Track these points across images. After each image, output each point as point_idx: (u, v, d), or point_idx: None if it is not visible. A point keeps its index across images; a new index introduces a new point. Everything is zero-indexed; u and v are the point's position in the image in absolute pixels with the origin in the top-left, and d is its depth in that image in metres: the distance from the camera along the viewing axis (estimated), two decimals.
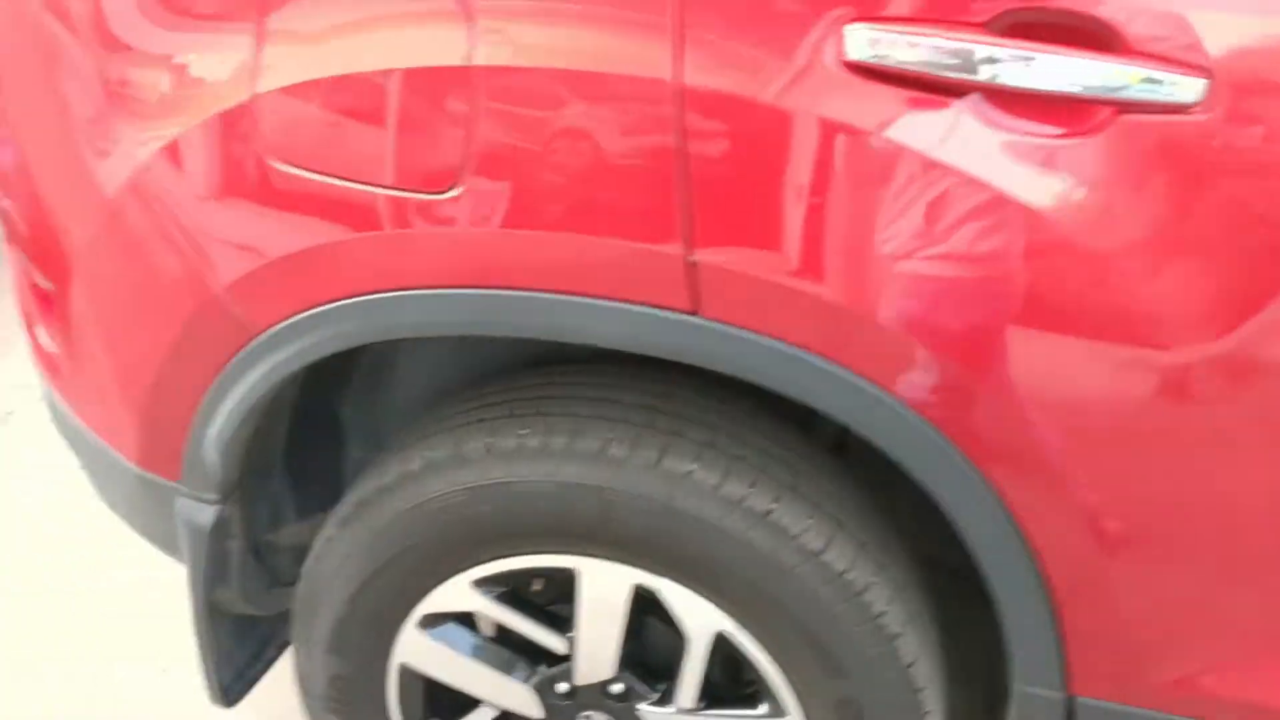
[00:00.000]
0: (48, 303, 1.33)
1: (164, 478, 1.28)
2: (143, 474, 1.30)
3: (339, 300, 1.09)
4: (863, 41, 0.90)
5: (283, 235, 1.08)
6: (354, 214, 1.04)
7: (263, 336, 1.13)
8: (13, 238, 1.39)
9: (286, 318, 1.11)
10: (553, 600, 1.28)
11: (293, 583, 1.47)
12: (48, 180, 1.22)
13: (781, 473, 1.16)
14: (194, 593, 1.33)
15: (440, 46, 0.98)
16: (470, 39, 0.97)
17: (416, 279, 1.05)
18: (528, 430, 1.16)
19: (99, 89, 1.12)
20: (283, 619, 1.51)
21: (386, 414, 1.42)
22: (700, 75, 0.93)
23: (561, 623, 1.27)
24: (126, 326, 1.22)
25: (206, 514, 1.27)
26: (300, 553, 1.50)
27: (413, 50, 0.99)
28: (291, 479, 1.39)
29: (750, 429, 1.19)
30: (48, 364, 1.40)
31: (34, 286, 1.39)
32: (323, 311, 1.09)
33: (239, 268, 1.11)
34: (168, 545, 1.42)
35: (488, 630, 1.32)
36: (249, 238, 1.09)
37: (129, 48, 1.10)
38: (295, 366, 1.14)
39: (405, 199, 1.02)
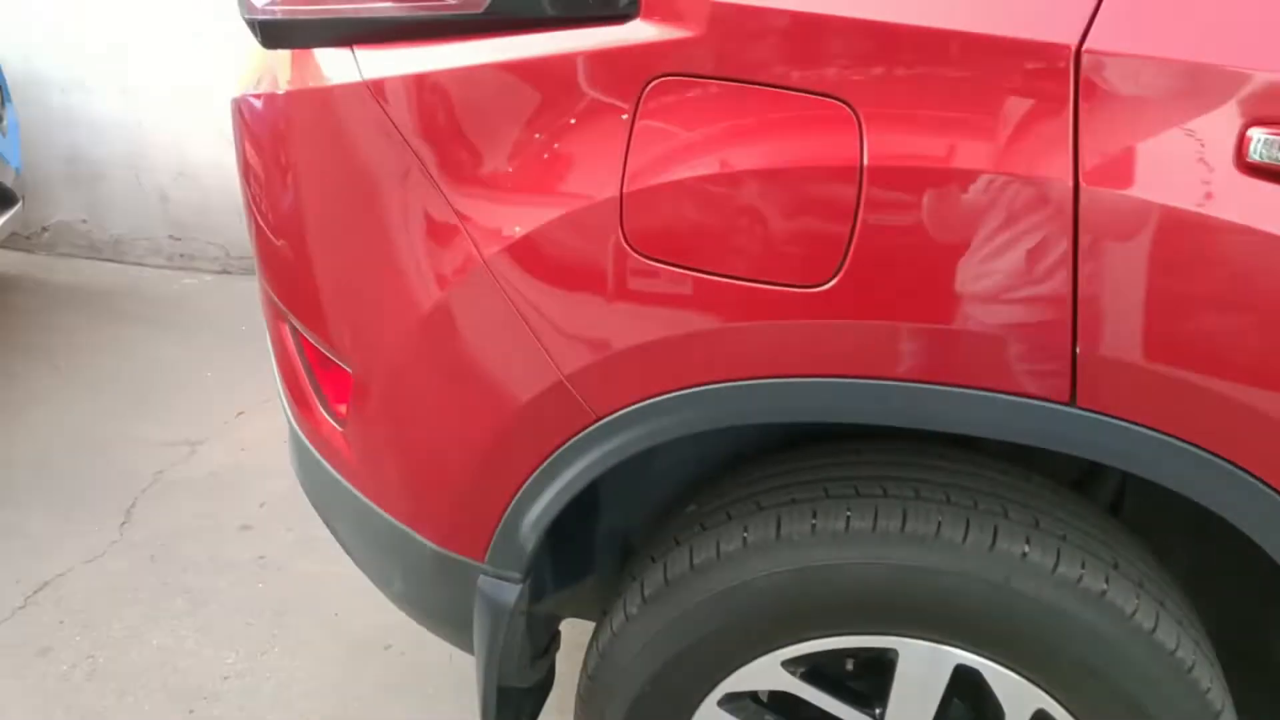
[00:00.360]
0: (342, 382, 1.36)
1: (467, 557, 1.30)
2: (443, 553, 1.31)
3: (690, 388, 1.11)
4: (1264, 145, 0.92)
5: (640, 325, 1.10)
6: (721, 305, 1.07)
7: (603, 422, 1.15)
8: (290, 308, 1.41)
9: (631, 404, 1.14)
10: (854, 676, 1.30)
11: (543, 653, 1.49)
12: (366, 265, 1.25)
13: (1102, 551, 1.17)
14: (488, 669, 1.34)
15: (825, 147, 1.01)
16: (858, 140, 1.00)
17: (779, 368, 1.08)
18: (853, 512, 1.18)
19: (440, 182, 1.15)
20: (532, 691, 1.52)
21: (643, 486, 1.44)
22: (1095, 177, 0.96)
23: (862, 699, 1.28)
24: (451, 411, 1.24)
25: (511, 592, 1.29)
26: (550, 621, 1.52)
27: (796, 151, 1.02)
28: (551, 550, 1.41)
29: (1057, 505, 1.21)
30: (326, 440, 1.42)
31: (319, 365, 1.42)
32: (673, 398, 1.12)
33: (588, 356, 1.13)
34: (444, 622, 1.44)
35: (776, 706, 1.33)
36: (603, 327, 1.12)
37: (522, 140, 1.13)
38: (633, 451, 1.16)
39: (777, 290, 1.05)
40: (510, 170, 1.13)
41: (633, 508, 1.45)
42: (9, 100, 3.32)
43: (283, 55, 1.32)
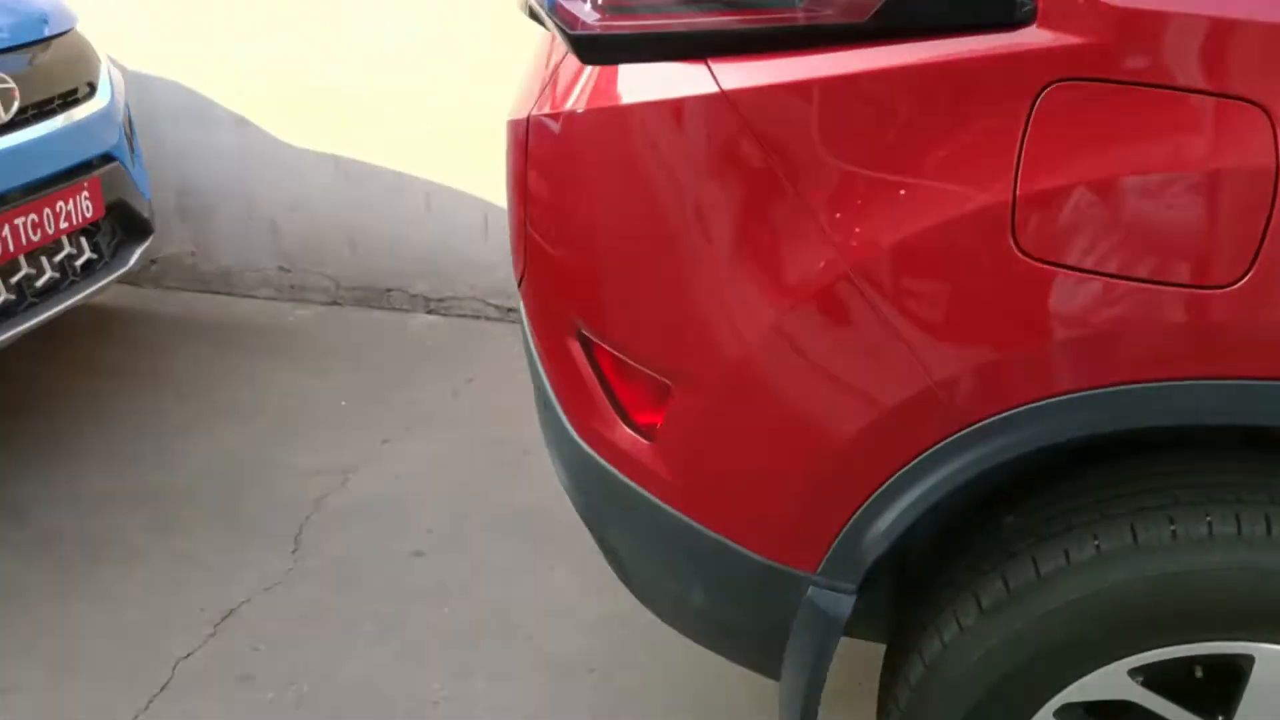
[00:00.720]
0: (649, 394, 1.36)
1: (798, 568, 1.29)
2: (770, 564, 1.31)
3: (1076, 392, 1.11)
4: None
5: (1026, 328, 1.10)
6: (1117, 307, 1.07)
7: (973, 428, 1.15)
8: (591, 323, 1.40)
9: (1006, 409, 1.14)
10: (1195, 683, 1.29)
11: None
12: (705, 278, 1.25)
13: None
14: (811, 683, 1.33)
15: (1237, 149, 1.01)
16: (1273, 142, 1.00)
17: (1176, 370, 1.08)
18: (1213, 517, 1.17)
19: (804, 191, 1.16)
20: None
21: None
22: None
23: (1205, 707, 1.27)
24: (796, 421, 1.23)
25: (844, 604, 1.29)
26: None
27: (1205, 153, 1.03)
28: None
29: None
30: (626, 452, 1.40)
31: (618, 378, 1.41)
32: (1055, 403, 1.12)
33: (964, 361, 1.13)
34: (743, 638, 1.44)
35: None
36: (985, 331, 1.12)
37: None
38: (1001, 459, 1.16)
39: (1178, 291, 1.05)
40: (884, 178, 1.13)
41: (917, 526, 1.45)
42: (135, 131, 3.34)
43: (590, 70, 1.33)
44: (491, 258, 3.73)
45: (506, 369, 3.42)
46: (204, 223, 3.94)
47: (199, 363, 3.45)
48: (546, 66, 1.56)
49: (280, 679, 2.11)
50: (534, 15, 1.46)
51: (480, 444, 2.98)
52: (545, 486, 2.74)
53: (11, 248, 2.63)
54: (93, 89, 2.99)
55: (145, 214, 3.17)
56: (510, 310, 3.77)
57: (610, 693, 2.09)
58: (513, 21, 3.45)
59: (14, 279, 2.70)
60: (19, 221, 2.63)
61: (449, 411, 3.17)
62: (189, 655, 2.17)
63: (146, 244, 3.17)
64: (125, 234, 3.11)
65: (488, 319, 3.80)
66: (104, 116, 2.97)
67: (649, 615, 2.22)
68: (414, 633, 2.24)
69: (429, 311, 3.84)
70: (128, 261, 3.08)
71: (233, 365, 3.44)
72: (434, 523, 2.62)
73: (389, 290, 3.86)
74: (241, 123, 3.76)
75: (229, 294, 3.99)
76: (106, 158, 2.98)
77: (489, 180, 3.65)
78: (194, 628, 2.25)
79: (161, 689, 2.09)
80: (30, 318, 2.73)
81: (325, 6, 3.59)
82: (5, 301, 2.68)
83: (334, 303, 3.92)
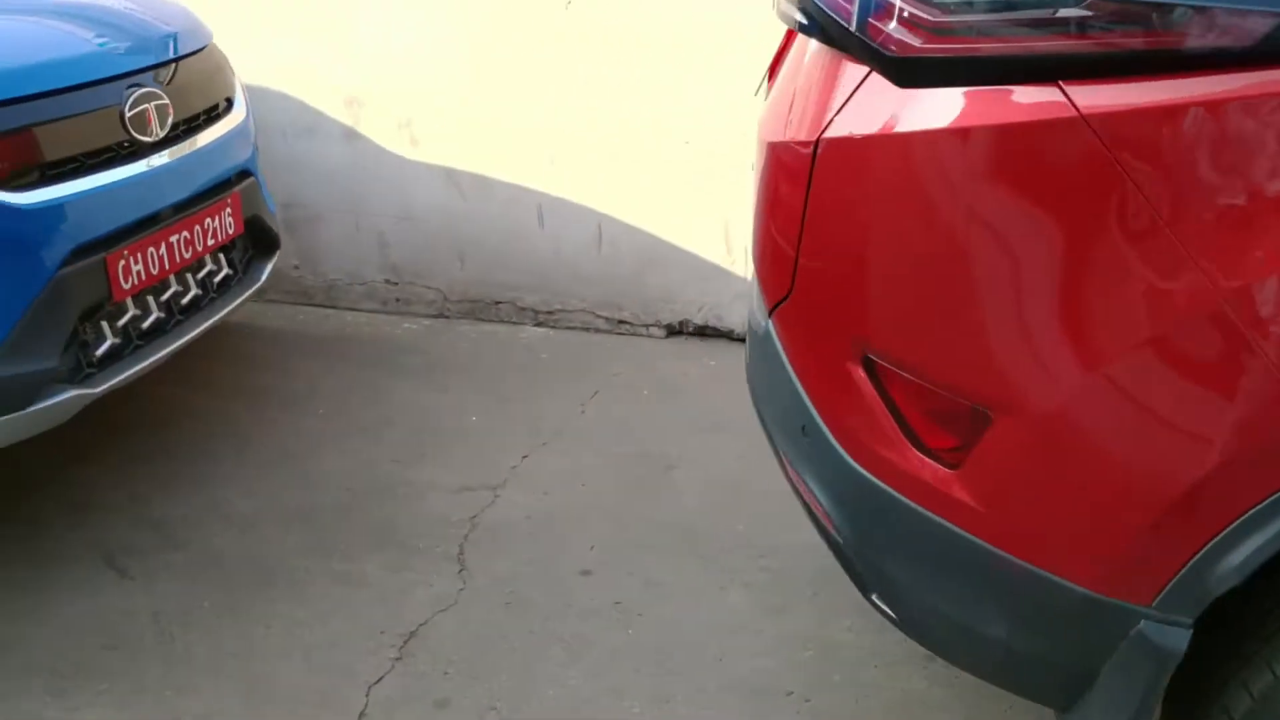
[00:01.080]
0: (959, 422, 1.33)
1: (1129, 602, 1.27)
2: (1094, 597, 1.28)
3: None
4: None
5: None
6: None
7: None
8: (889, 351, 1.37)
9: None
10: None
11: None
12: (1043, 304, 1.22)
13: None
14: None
15: None
16: None
17: None
18: None
19: (1170, 217, 1.13)
20: None
21: None
22: None
23: None
24: (1143, 452, 1.21)
25: (1180, 638, 1.26)
26: None
27: None
28: None
29: None
30: (924, 480, 1.37)
31: (908, 404, 1.39)
32: None
33: None
34: (1049, 672, 1.40)
35: None
36: None
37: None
38: None
39: None
40: (1271, 204, 1.10)
41: None
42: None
43: (900, 93, 1.30)
44: (603, 270, 3.71)
45: (628, 383, 3.40)
46: (310, 235, 3.92)
47: (316, 378, 3.42)
48: (798, 82, 1.53)
49: (478, 704, 2.08)
50: (809, 27, 1.43)
51: (620, 460, 2.95)
52: (696, 504, 2.74)
53: (166, 265, 2.61)
54: (230, 104, 2.97)
55: (275, 229, 3.14)
56: (621, 322, 3.75)
57: (814, 716, 2.06)
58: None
59: (164, 297, 2.68)
60: (174, 239, 2.61)
61: (579, 426, 3.14)
62: (380, 680, 2.15)
63: (275, 259, 3.14)
64: (256, 249, 3.08)
65: (597, 331, 3.77)
66: (242, 132, 2.95)
67: (830, 635, 2.23)
68: (601, 655, 2.21)
69: (537, 324, 3.81)
70: (260, 277, 3.05)
71: (351, 380, 3.41)
72: (594, 540, 2.59)
73: (498, 303, 3.84)
74: (351, 135, 3.74)
75: (332, 307, 3.97)
76: (245, 173, 2.96)
77: (604, 193, 3.65)
78: (378, 651, 2.22)
79: (360, 716, 2.06)
80: (178, 337, 2.70)
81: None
82: (156, 320, 2.66)
83: (440, 315, 3.89)
